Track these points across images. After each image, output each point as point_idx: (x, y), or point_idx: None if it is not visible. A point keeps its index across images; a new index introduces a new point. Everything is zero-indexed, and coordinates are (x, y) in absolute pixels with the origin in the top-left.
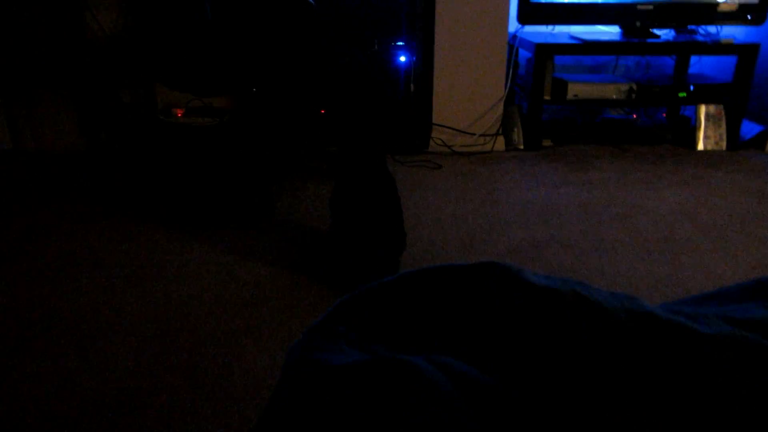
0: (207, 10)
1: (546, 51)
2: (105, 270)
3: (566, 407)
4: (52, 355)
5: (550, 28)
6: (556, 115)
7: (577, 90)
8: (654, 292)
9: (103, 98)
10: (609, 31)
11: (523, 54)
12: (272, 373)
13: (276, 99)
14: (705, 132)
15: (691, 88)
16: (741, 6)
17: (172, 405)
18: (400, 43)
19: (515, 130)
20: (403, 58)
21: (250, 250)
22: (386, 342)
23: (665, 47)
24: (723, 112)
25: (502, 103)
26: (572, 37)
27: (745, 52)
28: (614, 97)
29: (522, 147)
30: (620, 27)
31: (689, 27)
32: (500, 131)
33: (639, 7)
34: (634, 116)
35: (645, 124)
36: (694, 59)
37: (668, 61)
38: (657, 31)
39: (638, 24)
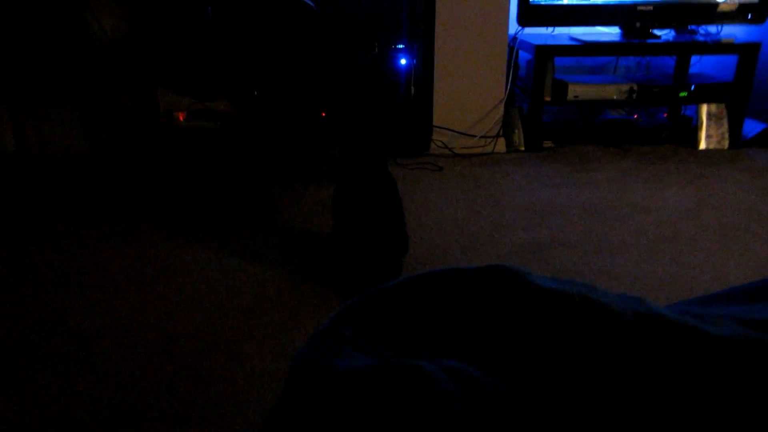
0: (208, 14)
1: (546, 52)
2: (108, 273)
3: (576, 410)
4: (55, 360)
5: (549, 29)
6: (557, 117)
7: (577, 91)
8: (659, 292)
9: (105, 101)
10: (609, 32)
11: (524, 56)
12: (276, 377)
13: (277, 102)
14: (707, 131)
15: (692, 87)
16: (741, 5)
17: (176, 409)
18: (401, 46)
19: (516, 131)
20: (403, 61)
21: (252, 253)
22: (393, 346)
23: (665, 48)
24: (725, 111)
25: (502, 105)
26: (572, 39)
27: (746, 51)
28: (615, 97)
29: (523, 148)
30: (620, 28)
31: (689, 27)
32: (501, 133)
33: (639, 7)
34: (635, 116)
35: (646, 125)
36: (694, 59)
37: (669, 61)
38: (657, 32)
39: (638, 25)
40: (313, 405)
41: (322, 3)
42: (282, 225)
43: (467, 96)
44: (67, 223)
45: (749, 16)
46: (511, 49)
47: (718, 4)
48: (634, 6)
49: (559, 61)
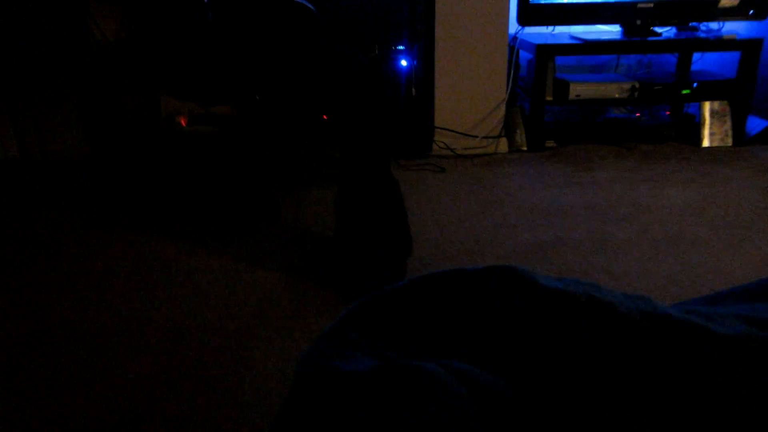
0: (209, 18)
1: (547, 52)
2: (112, 277)
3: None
4: (61, 363)
5: (550, 28)
6: (559, 116)
7: (579, 90)
8: (664, 291)
9: (107, 106)
10: (610, 30)
11: (524, 55)
12: (281, 379)
13: (279, 105)
14: (710, 129)
15: (695, 85)
16: (742, 1)
17: (182, 412)
18: (401, 48)
19: (518, 131)
20: (404, 62)
21: (256, 255)
22: (398, 347)
23: (667, 45)
24: (728, 108)
25: (504, 105)
26: (573, 37)
27: (749, 47)
28: (617, 96)
29: (525, 148)
30: (621, 26)
31: (690, 24)
32: (503, 133)
33: (639, 5)
34: (638, 115)
35: (649, 123)
36: (696, 56)
37: (670, 59)
38: (658, 29)
39: (639, 22)
40: (319, 407)
41: (322, 6)
42: (285, 227)
43: (468, 96)
44: (71, 228)
45: (751, 12)
46: (511, 48)
47: (719, 0)
48: (634, 4)
49: (560, 60)
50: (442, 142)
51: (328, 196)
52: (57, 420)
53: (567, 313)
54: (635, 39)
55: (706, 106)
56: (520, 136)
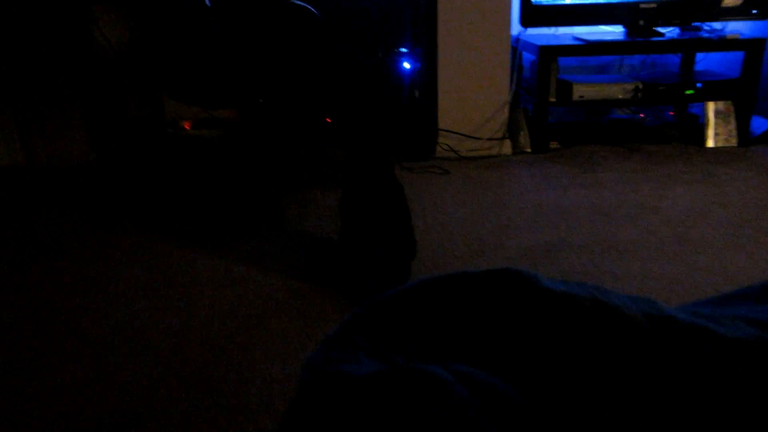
0: (212, 22)
1: (550, 53)
2: (117, 281)
3: (588, 416)
4: (66, 368)
5: (553, 29)
6: (563, 117)
7: (582, 91)
8: (670, 293)
9: (111, 112)
10: (613, 31)
11: (527, 57)
12: (286, 383)
13: (282, 109)
14: (714, 129)
15: (699, 85)
16: (745, 1)
17: (185, 415)
18: (404, 50)
19: (522, 133)
20: (407, 65)
21: (260, 259)
22: (404, 351)
23: (670, 45)
24: (732, 109)
25: (507, 107)
26: (576, 38)
27: (752, 47)
28: (620, 96)
29: (529, 150)
30: (624, 26)
31: (693, 24)
32: (507, 135)
33: (642, 5)
34: (642, 115)
35: (652, 123)
36: (700, 56)
37: (674, 59)
38: (661, 29)
39: (642, 23)
40: (325, 411)
41: (324, 9)
42: (289, 231)
43: (472, 98)
44: (76, 232)
45: (754, 12)
46: (514, 50)
47: (721, 0)
48: (637, 4)
49: (563, 61)
50: (446, 144)
51: (332, 199)
52: (58, 421)
53: (571, 316)
54: (638, 39)
55: (710, 107)
56: (524, 138)
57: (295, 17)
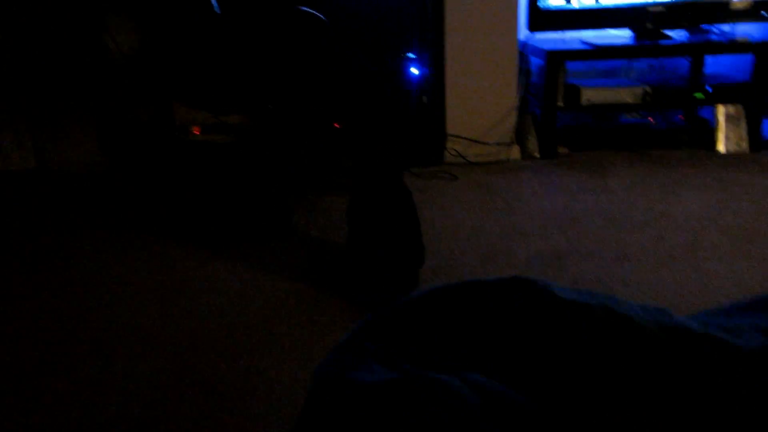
0: (222, 29)
1: (557, 58)
2: (126, 287)
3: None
4: (76, 372)
5: (560, 34)
6: (571, 122)
7: (590, 95)
8: (681, 301)
9: (122, 118)
10: (621, 35)
11: (535, 61)
12: (294, 389)
13: (291, 114)
14: (725, 133)
15: (708, 89)
16: (755, 3)
17: (194, 421)
18: (412, 56)
19: (530, 138)
20: (415, 71)
21: (268, 264)
22: (415, 359)
23: (679, 48)
24: (743, 112)
25: (515, 112)
26: (583, 43)
27: (762, 49)
28: (629, 101)
29: (537, 155)
30: (631, 30)
31: (702, 26)
32: (515, 140)
33: (650, 9)
34: (651, 120)
35: (662, 128)
36: (709, 59)
37: (683, 62)
38: (670, 32)
39: (650, 26)
40: (336, 418)
41: (332, 15)
42: (297, 236)
43: (479, 104)
44: (86, 237)
45: (763, 14)
46: (521, 55)
47: (731, 2)
48: (644, 7)
49: (571, 66)
50: (454, 149)
51: (341, 205)
52: (66, 425)
53: (584, 325)
54: (647, 43)
55: (721, 110)
56: (532, 143)
57: (303, 23)
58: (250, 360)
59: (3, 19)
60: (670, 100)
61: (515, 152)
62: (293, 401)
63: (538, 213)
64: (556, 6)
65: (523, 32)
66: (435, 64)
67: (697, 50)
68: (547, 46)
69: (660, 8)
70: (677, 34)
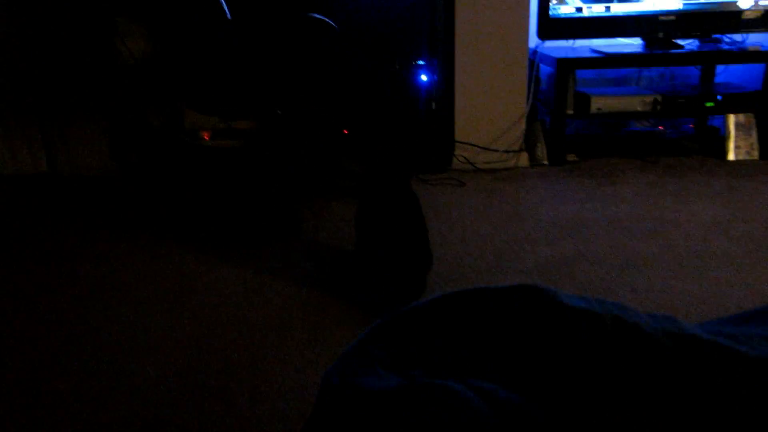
0: (233, 35)
1: (567, 65)
2: (135, 290)
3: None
4: (84, 376)
5: (570, 42)
6: (580, 130)
7: (600, 103)
8: (690, 310)
9: (133, 122)
10: (631, 43)
11: (544, 69)
12: (300, 394)
13: (300, 120)
14: (735, 142)
15: (719, 97)
16: (766, 13)
17: (201, 426)
18: (421, 63)
19: (539, 145)
20: (424, 77)
21: (276, 269)
22: (423, 366)
23: (690, 57)
24: (753, 121)
25: (524, 119)
26: (593, 51)
27: None
28: (639, 109)
29: (546, 162)
30: (642, 38)
31: (713, 36)
32: (524, 147)
33: (661, 18)
34: (661, 128)
35: (672, 136)
36: (720, 68)
37: (693, 71)
38: (680, 41)
39: (661, 35)
40: (344, 424)
41: (342, 21)
42: (305, 241)
43: (489, 111)
44: (96, 241)
45: None
46: (531, 62)
47: (742, 11)
48: (655, 16)
49: (581, 74)
50: (463, 156)
51: (349, 211)
52: (73, 427)
53: (592, 333)
54: (657, 52)
55: (731, 119)
56: (541, 150)
57: (313, 30)
58: (257, 364)
59: (15, 24)
60: (681, 109)
61: (524, 159)
62: (300, 406)
63: (546, 220)
64: (566, 14)
65: (533, 40)
66: (444, 70)
67: (707, 59)
68: (557, 54)
69: (671, 17)
70: (688, 43)
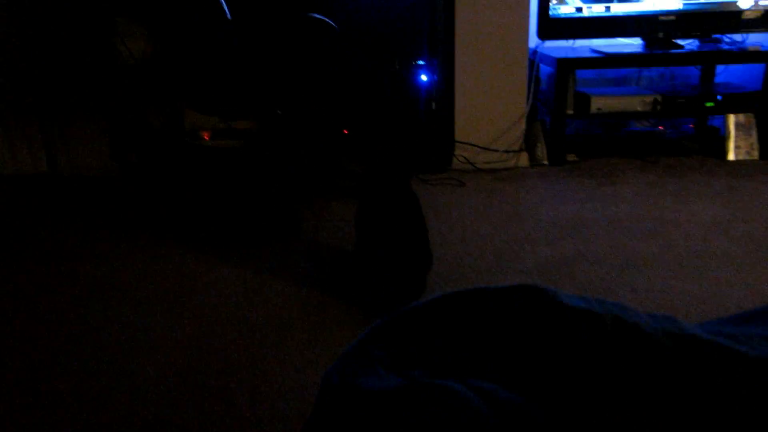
0: (233, 35)
1: (567, 65)
2: (135, 290)
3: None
4: (84, 376)
5: (570, 42)
6: (580, 130)
7: (600, 103)
8: (690, 309)
9: (133, 122)
10: (631, 43)
11: (544, 69)
12: (300, 394)
13: (300, 120)
14: (735, 142)
15: (719, 97)
16: (766, 13)
17: (201, 426)
18: (421, 63)
19: (539, 145)
20: (424, 77)
21: (276, 269)
22: (423, 366)
23: (689, 57)
24: (753, 121)
25: (524, 119)
26: (593, 51)
27: None
28: (639, 109)
29: (546, 162)
30: (642, 38)
31: (713, 36)
32: (524, 147)
33: (661, 18)
34: (661, 128)
35: (672, 136)
36: (720, 68)
37: (693, 71)
38: (680, 42)
39: (661, 35)
40: (344, 424)
41: (342, 21)
42: (305, 242)
43: (489, 111)
44: (96, 241)
45: None
46: (531, 62)
47: (742, 11)
48: (655, 16)
49: (581, 74)
50: (463, 156)
51: (349, 211)
52: (73, 427)
53: (592, 333)
54: (657, 52)
55: (731, 119)
56: (541, 150)
57: (313, 30)
58: (257, 364)
59: (15, 25)
60: (681, 109)
61: (524, 159)
62: (300, 406)
63: (546, 220)
64: (566, 14)
65: (533, 40)
66: (444, 71)
67: (707, 59)
68: (557, 54)
69: (671, 17)
70: (688, 43)
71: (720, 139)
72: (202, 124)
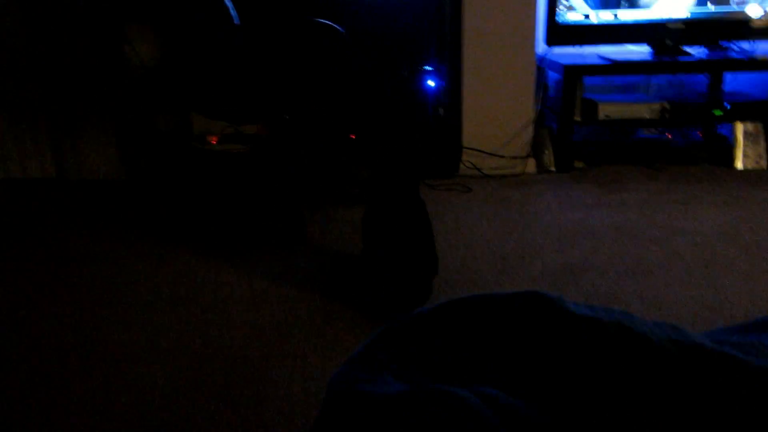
0: (240, 40)
1: (575, 72)
2: (141, 294)
3: None
4: (90, 379)
5: (578, 48)
6: (588, 136)
7: (608, 110)
8: (696, 318)
9: (141, 127)
10: (639, 51)
11: (552, 75)
12: (306, 399)
13: (307, 125)
14: (743, 150)
15: (727, 106)
16: None
17: (207, 429)
18: (429, 68)
19: (546, 152)
20: (431, 83)
21: (282, 274)
22: (428, 372)
23: (698, 65)
24: (762, 130)
25: (532, 125)
26: (601, 57)
27: None
28: (646, 116)
29: (553, 169)
30: (650, 46)
31: (722, 43)
32: (531, 153)
33: (669, 25)
34: (668, 136)
35: (680, 144)
36: (729, 76)
37: (701, 79)
38: (689, 49)
39: (669, 42)
40: (350, 430)
41: (350, 26)
42: (312, 247)
43: (496, 117)
44: (103, 245)
45: None
46: (539, 69)
47: (750, 19)
48: (664, 24)
49: (589, 80)
50: (470, 162)
51: (356, 216)
52: (76, 428)
53: (597, 341)
54: (665, 59)
55: (739, 128)
56: (548, 157)
57: (320, 35)
58: (263, 369)
59: (25, 29)
60: (689, 117)
61: (531, 166)
62: (305, 411)
63: (553, 227)
64: (574, 21)
65: (541, 46)
66: (452, 76)
67: (716, 67)
68: (564, 61)
69: (679, 25)
70: (696, 51)
71: (728, 148)
72: (210, 128)
